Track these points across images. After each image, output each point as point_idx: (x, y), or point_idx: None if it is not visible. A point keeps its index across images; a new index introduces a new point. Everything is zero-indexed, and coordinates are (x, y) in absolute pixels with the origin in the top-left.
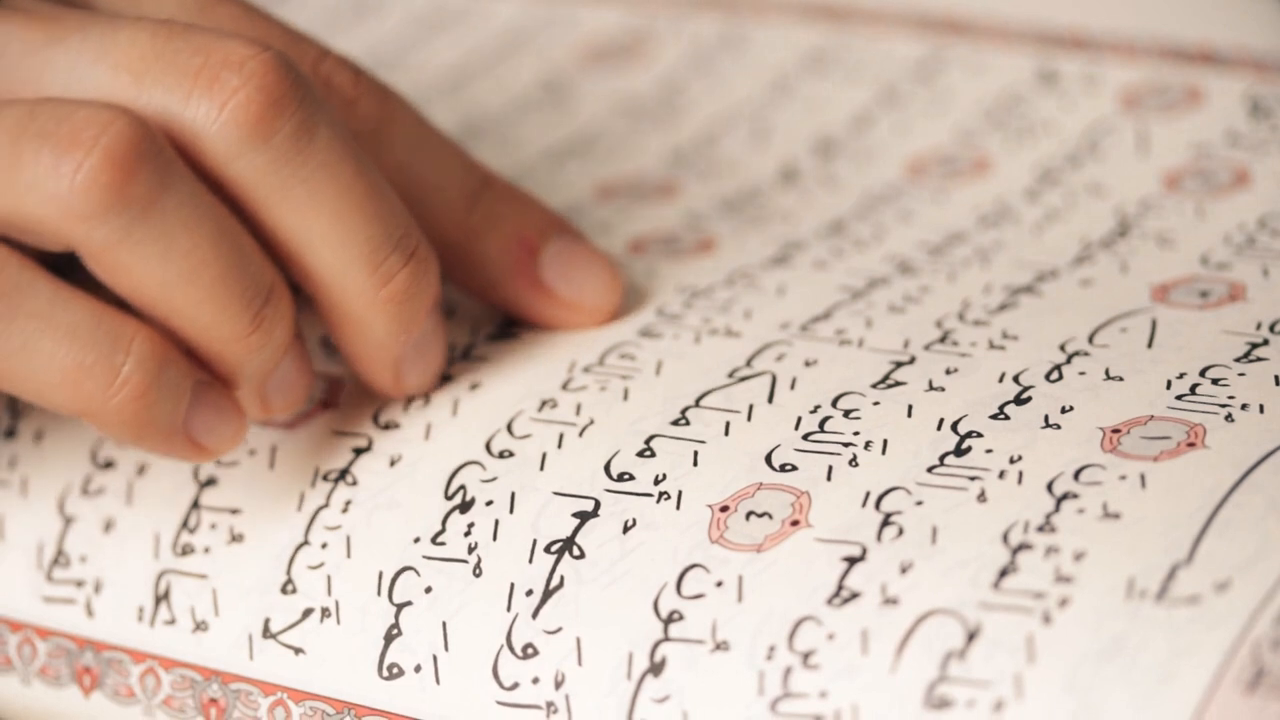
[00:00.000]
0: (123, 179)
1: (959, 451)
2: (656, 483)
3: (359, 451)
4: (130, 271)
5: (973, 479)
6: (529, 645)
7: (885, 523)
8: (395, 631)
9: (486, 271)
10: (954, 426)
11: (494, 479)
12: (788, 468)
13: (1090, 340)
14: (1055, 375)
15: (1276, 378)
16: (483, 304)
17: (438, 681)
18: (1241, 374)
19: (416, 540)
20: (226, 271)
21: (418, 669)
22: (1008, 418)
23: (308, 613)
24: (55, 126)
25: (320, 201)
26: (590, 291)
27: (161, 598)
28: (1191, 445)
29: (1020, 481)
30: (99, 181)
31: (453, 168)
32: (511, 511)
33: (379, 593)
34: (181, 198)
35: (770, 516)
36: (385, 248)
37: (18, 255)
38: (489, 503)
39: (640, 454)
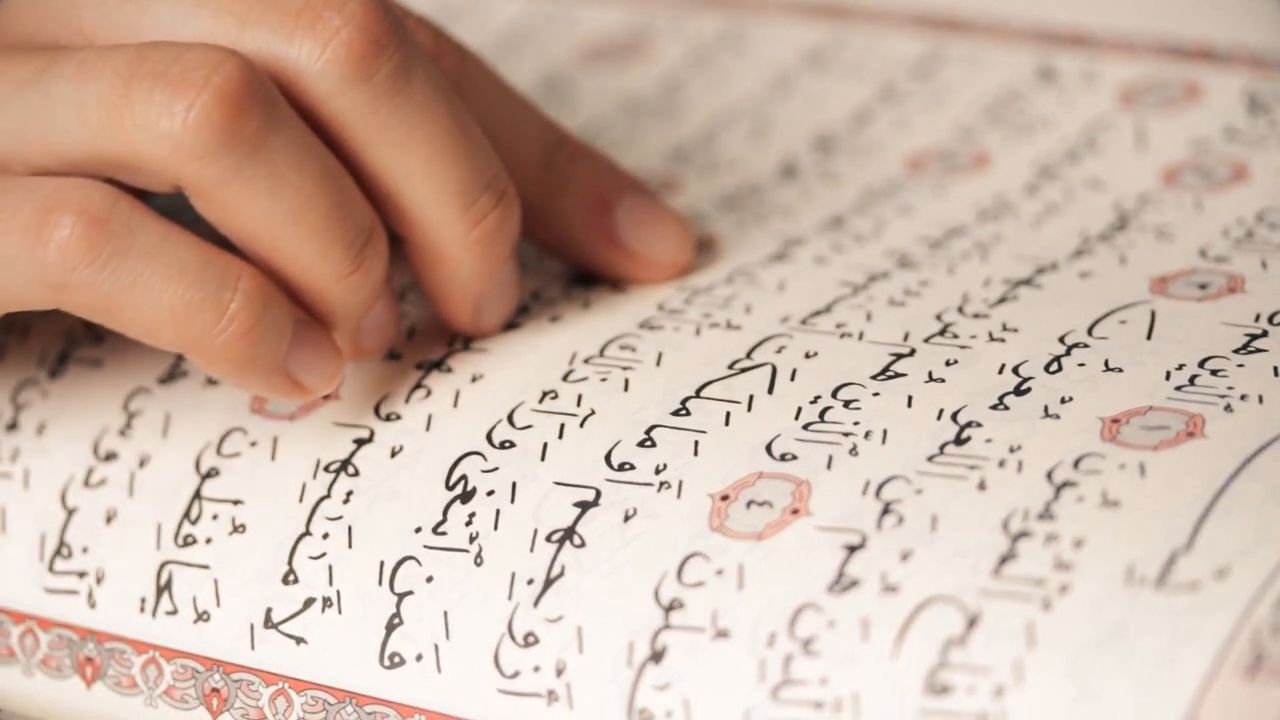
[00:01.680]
0: (234, 118)
1: (959, 441)
2: (657, 472)
3: (360, 442)
4: (239, 210)
5: (972, 468)
6: (530, 634)
7: (885, 511)
8: (397, 621)
9: (562, 227)
10: (954, 416)
11: (495, 469)
12: (788, 457)
13: (1089, 332)
14: (1055, 366)
15: (1275, 368)
16: (557, 260)
17: (439, 670)
18: (1240, 365)
19: (418, 530)
20: (331, 211)
21: (419, 658)
22: (1007, 408)
23: (309, 602)
24: (166, 68)
25: (417, 140)
26: (663, 247)
27: (163, 588)
28: (1191, 435)
29: (1020, 470)
30: (211, 120)
31: (530, 125)
32: (513, 501)
33: (380, 582)
34: (289, 137)
35: (770, 505)
36: (477, 188)
37: (127, 196)
38: (490, 493)
39: (641, 444)
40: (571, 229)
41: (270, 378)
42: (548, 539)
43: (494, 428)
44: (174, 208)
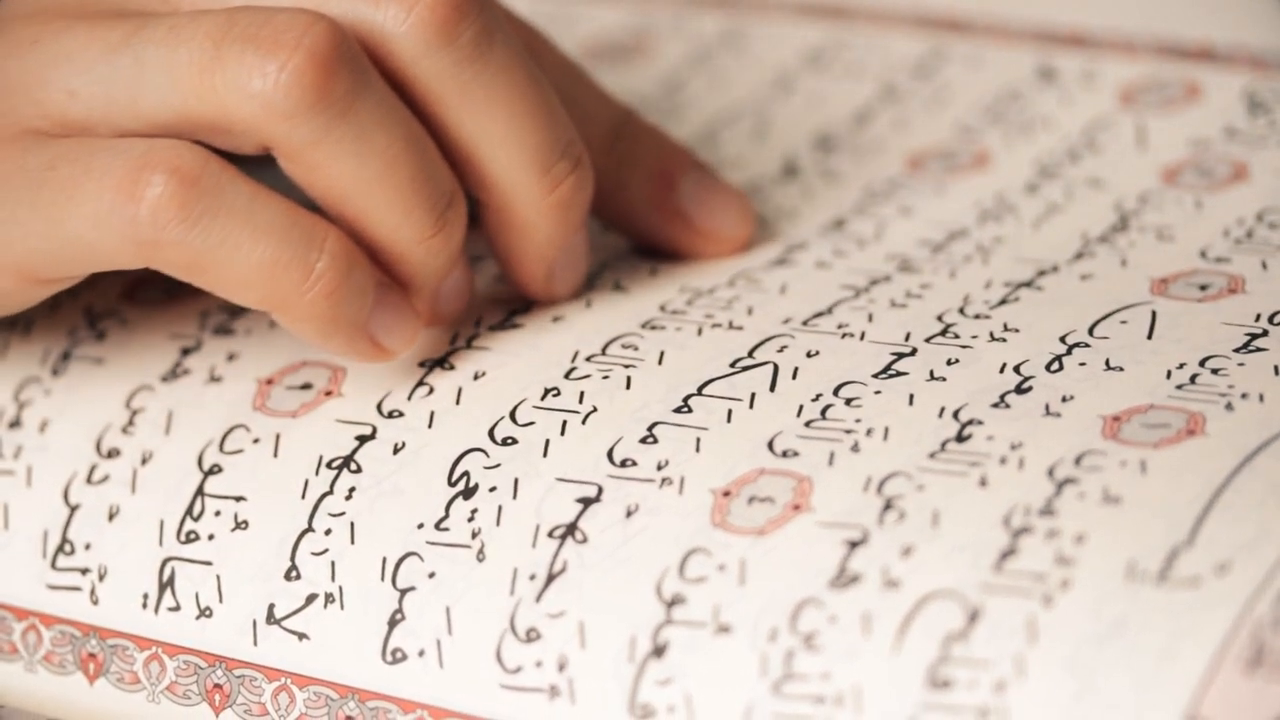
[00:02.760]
0: (325, 79)
1: (960, 438)
2: (659, 468)
3: (363, 439)
4: (326, 170)
5: (974, 465)
6: (532, 629)
7: (887, 507)
8: (399, 616)
9: (627, 202)
10: (955, 414)
11: (497, 465)
12: (790, 453)
13: (1090, 332)
14: (1056, 366)
15: (1276, 367)
16: (621, 234)
17: (441, 666)
18: (1241, 364)
19: (420, 526)
20: (415, 173)
21: (421, 653)
22: (1009, 406)
23: (311, 598)
24: (257, 30)
25: (497, 104)
26: (726, 221)
27: (166, 584)
28: (1192, 433)
29: (1021, 467)
30: (302, 81)
31: (596, 100)
32: (515, 497)
33: (383, 578)
34: (376, 99)
35: (772, 501)
36: (554, 153)
37: (216, 156)
38: (492, 489)
39: (643, 440)
40: (637, 203)
41: (353, 338)
42: (550, 535)
43: (496, 424)
44: (256, 177)
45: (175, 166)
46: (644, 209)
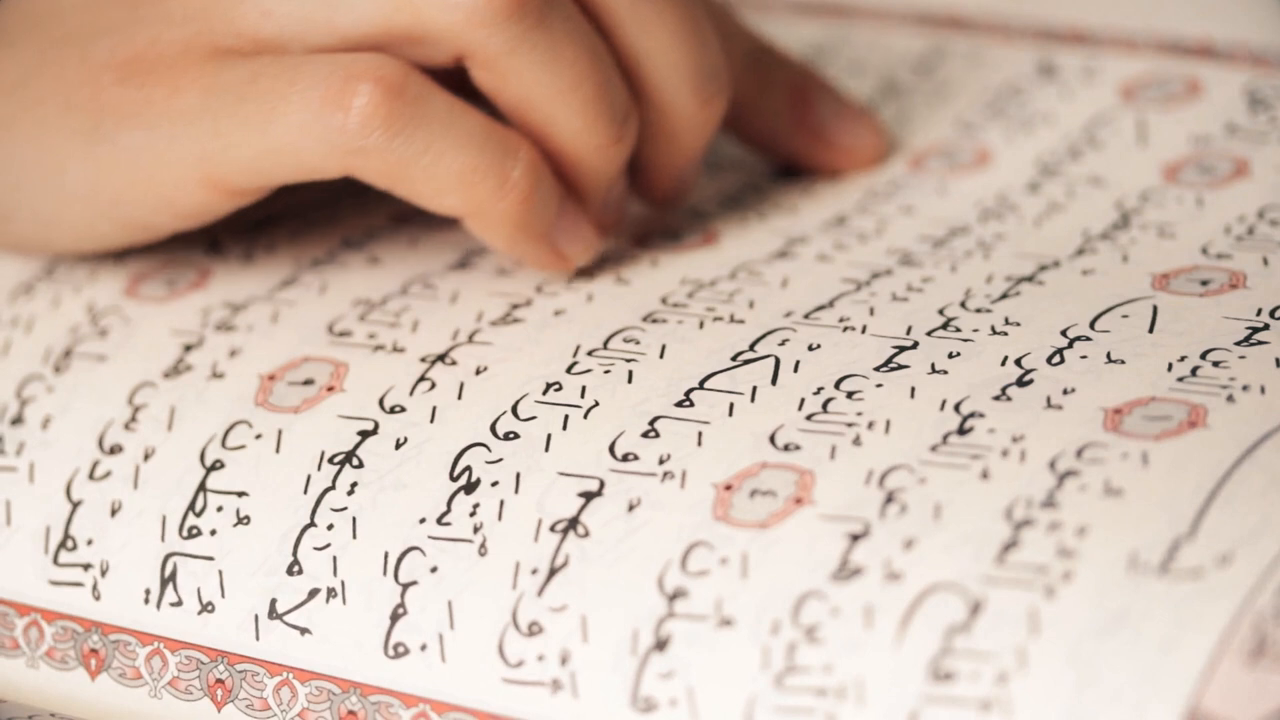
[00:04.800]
0: None
1: (961, 431)
2: (661, 462)
3: (365, 435)
4: (519, 78)
5: (975, 457)
6: (534, 623)
7: (889, 500)
8: (401, 611)
9: (766, 121)
10: (956, 407)
11: (499, 460)
12: (791, 447)
13: (1092, 326)
14: (1057, 359)
15: (1277, 360)
16: (757, 151)
17: (443, 660)
18: (1242, 357)
19: (422, 521)
20: (600, 84)
21: (423, 648)
22: (1010, 399)
23: (313, 593)
24: None
25: (664, 25)
26: (861, 137)
27: (168, 580)
28: (1193, 425)
29: (1022, 459)
30: None
31: (735, 28)
32: (517, 492)
33: (385, 573)
34: (566, 13)
35: (774, 494)
36: (707, 73)
37: (416, 69)
38: (494, 483)
39: (644, 434)
40: (774, 123)
41: (539, 245)
42: (552, 529)
43: (498, 419)
44: None
45: (380, 77)
46: (782, 128)
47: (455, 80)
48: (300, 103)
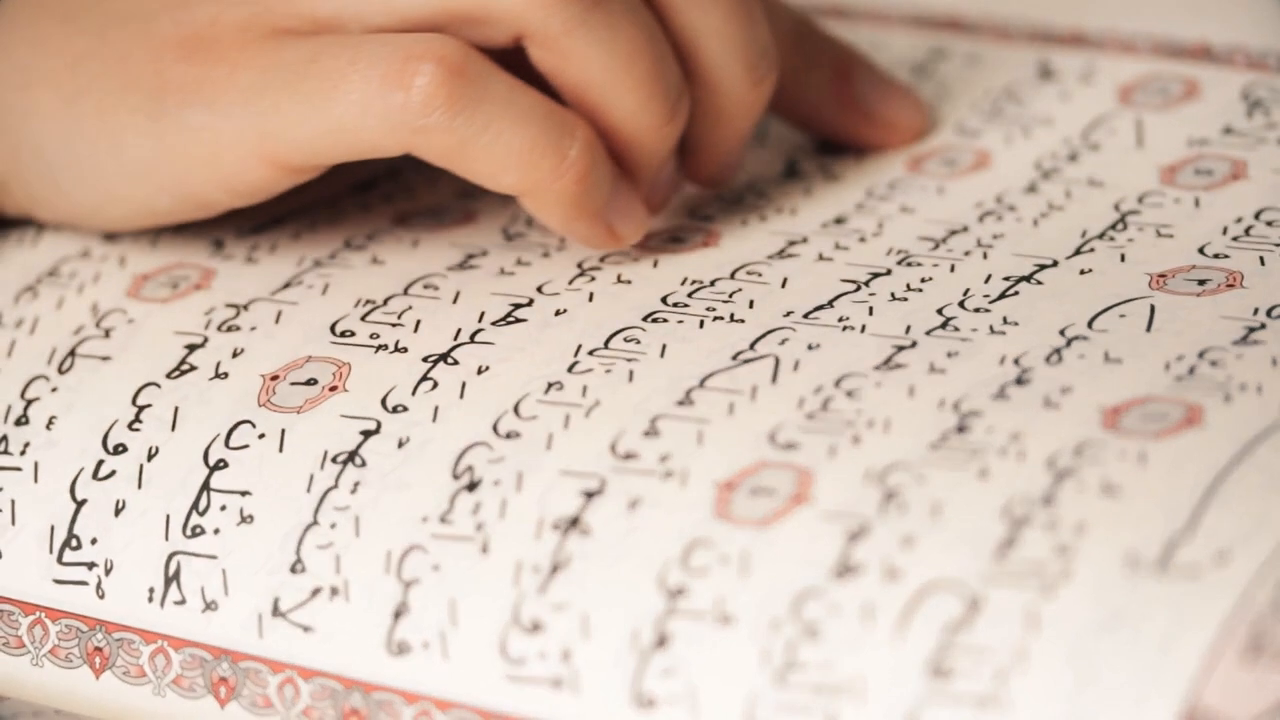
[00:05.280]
0: None
1: (960, 429)
2: (662, 461)
3: (367, 434)
4: (577, 58)
5: (973, 456)
6: (536, 621)
7: (888, 498)
8: (403, 609)
9: (809, 98)
10: (955, 406)
11: (501, 459)
12: (791, 445)
13: (1089, 325)
14: (1055, 358)
15: (1274, 359)
16: (800, 128)
17: (446, 658)
18: (1239, 356)
19: (424, 519)
20: (656, 63)
21: (426, 646)
22: (1008, 398)
23: (316, 591)
24: None
25: (717, 4)
26: (904, 112)
27: (172, 578)
28: (1190, 424)
29: (1021, 458)
30: None
31: (778, 9)
32: (518, 490)
33: (387, 571)
34: None
35: (774, 493)
36: (758, 53)
37: (475, 49)
38: (496, 482)
39: (646, 433)
40: (818, 100)
41: (593, 224)
42: (553, 527)
43: (500, 418)
44: None
45: (442, 57)
46: (826, 104)
47: (510, 62)
48: (361, 81)
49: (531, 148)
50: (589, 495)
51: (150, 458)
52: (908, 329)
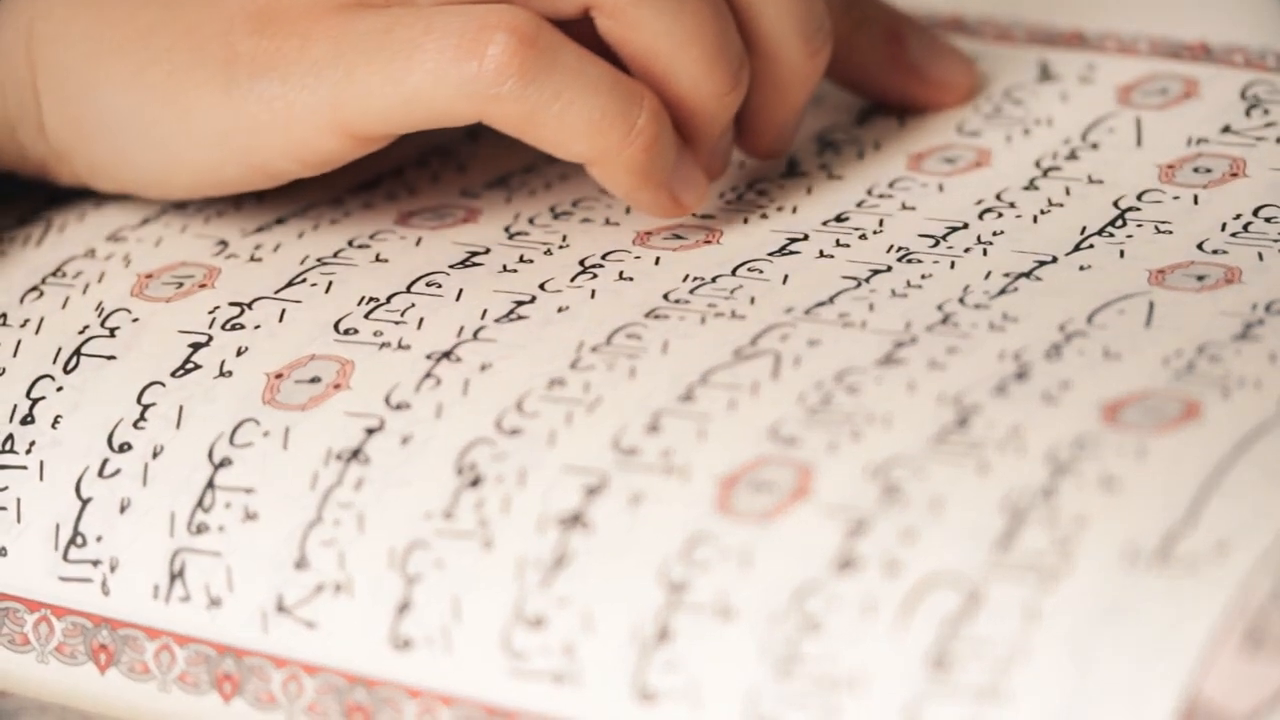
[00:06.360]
0: None
1: (960, 424)
2: (664, 456)
3: (371, 431)
4: (645, 27)
5: (973, 450)
6: (539, 616)
7: (888, 492)
8: (407, 605)
9: (862, 61)
10: (955, 401)
11: (504, 455)
12: (792, 441)
13: (1089, 321)
14: (1054, 354)
15: (1272, 355)
16: (853, 92)
17: (449, 653)
18: (1238, 352)
19: (427, 516)
20: (720, 34)
21: (429, 641)
22: (1008, 393)
23: (320, 588)
24: None
25: None
26: (955, 71)
27: (176, 575)
28: (1189, 418)
29: (1020, 452)
30: None
31: None
32: (521, 486)
33: (391, 567)
34: None
35: (775, 487)
36: (816, 23)
37: (546, 19)
38: (499, 478)
39: (647, 429)
40: (871, 63)
41: (658, 192)
42: (556, 523)
43: (503, 415)
44: None
45: (514, 27)
46: (879, 67)
47: (576, 34)
48: (435, 51)
49: (601, 116)
50: (591, 491)
51: (155, 456)
52: (907, 325)
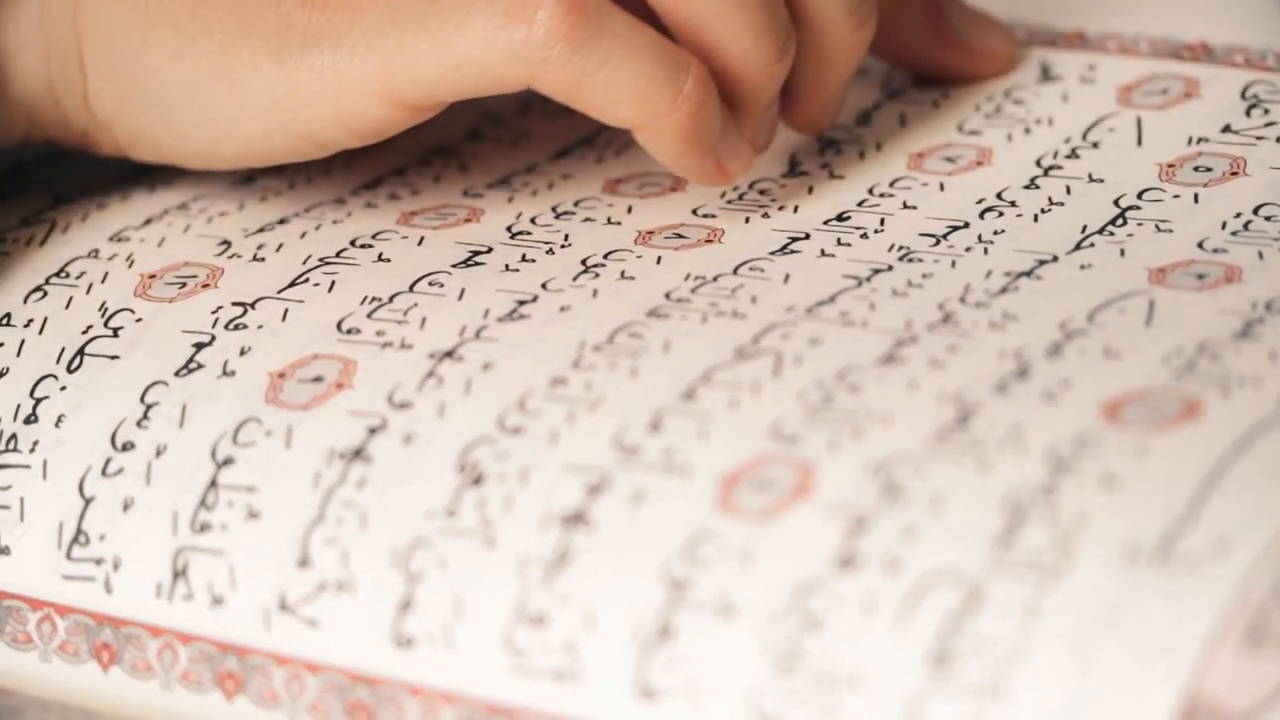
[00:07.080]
0: None
1: (960, 422)
2: (665, 455)
3: (373, 430)
4: None
5: (974, 448)
6: (540, 614)
7: (889, 490)
8: (409, 603)
9: (904, 35)
10: (955, 399)
11: (506, 454)
12: (793, 439)
13: (1089, 320)
14: (1054, 352)
15: (1272, 353)
16: (895, 65)
17: (451, 651)
18: (1238, 350)
19: (430, 514)
20: (767, 5)
21: (431, 640)
22: (1008, 391)
23: (323, 586)
24: None
25: None
26: (996, 41)
27: (179, 574)
28: (1189, 417)
29: (1021, 451)
30: None
31: None
32: (523, 485)
33: (393, 566)
34: None
35: (776, 485)
36: None
37: None
38: (501, 477)
39: (649, 428)
40: (912, 36)
41: (704, 159)
42: (558, 521)
43: (505, 414)
44: None
45: None
46: (922, 40)
47: (624, 3)
48: (484, 18)
49: (648, 82)
50: (593, 489)
51: (158, 455)
52: (908, 324)
